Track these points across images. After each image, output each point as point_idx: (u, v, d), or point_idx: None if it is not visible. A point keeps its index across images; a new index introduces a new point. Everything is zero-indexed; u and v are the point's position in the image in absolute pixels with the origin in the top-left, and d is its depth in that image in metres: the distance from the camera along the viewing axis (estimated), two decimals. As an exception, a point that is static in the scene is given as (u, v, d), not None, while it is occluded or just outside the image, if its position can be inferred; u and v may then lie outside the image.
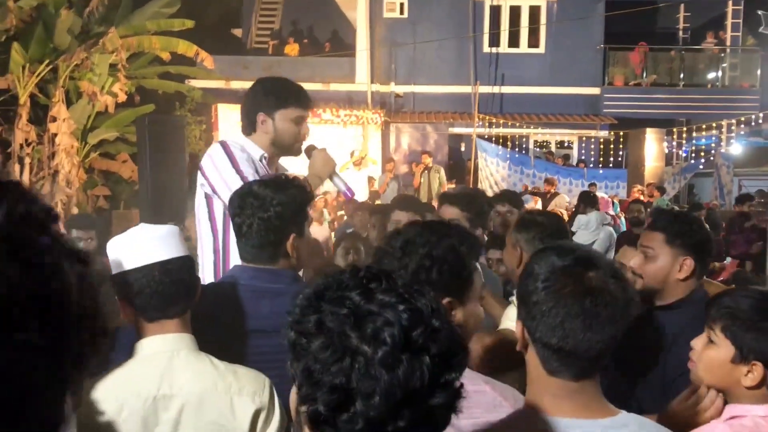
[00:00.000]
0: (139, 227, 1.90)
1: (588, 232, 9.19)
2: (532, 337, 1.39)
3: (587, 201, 9.60)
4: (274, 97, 2.84)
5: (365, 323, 0.91)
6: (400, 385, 0.88)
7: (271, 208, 2.09)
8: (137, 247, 1.81)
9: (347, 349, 0.90)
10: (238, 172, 2.64)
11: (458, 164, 16.39)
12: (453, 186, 13.06)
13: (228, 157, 2.71)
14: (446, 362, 0.93)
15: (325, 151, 2.92)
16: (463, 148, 16.75)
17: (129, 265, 1.79)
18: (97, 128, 13.36)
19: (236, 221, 2.15)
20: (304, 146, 2.95)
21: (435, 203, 12.04)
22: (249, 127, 2.86)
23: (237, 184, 2.46)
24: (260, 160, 2.80)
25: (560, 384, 1.38)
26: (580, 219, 9.43)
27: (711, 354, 1.78)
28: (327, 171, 2.88)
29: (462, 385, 0.97)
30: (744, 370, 1.69)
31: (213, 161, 2.73)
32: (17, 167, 11.86)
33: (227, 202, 2.34)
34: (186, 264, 1.84)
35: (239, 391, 1.76)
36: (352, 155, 14.46)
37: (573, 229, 9.84)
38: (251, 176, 2.61)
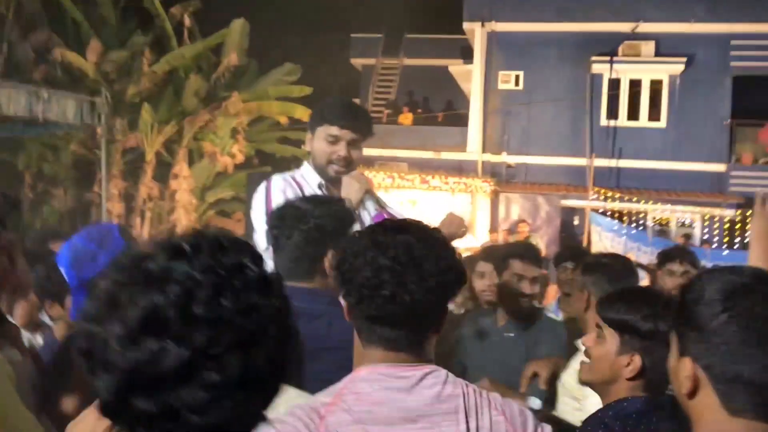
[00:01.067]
0: None
1: None
2: (710, 373, 1.16)
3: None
4: (315, 113, 2.73)
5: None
6: (132, 369, 0.83)
7: (312, 220, 2.01)
8: None
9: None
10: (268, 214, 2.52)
11: (571, 238, 15.83)
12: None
13: (264, 197, 2.60)
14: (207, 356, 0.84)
15: (358, 173, 2.73)
16: (576, 222, 16.20)
17: None
18: (216, 187, 13.94)
19: (274, 233, 2.07)
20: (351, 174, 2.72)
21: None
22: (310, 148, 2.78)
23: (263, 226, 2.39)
24: (319, 188, 2.65)
25: (747, 426, 1.15)
26: None
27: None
28: (358, 193, 2.64)
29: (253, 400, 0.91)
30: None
31: (254, 200, 2.64)
32: (138, 220, 12.48)
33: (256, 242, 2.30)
34: None
35: None
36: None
37: None
38: None
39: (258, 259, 0.91)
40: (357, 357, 1.47)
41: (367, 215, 2.72)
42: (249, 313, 0.85)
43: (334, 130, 2.63)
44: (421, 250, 1.40)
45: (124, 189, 12.70)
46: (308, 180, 2.68)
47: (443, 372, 1.44)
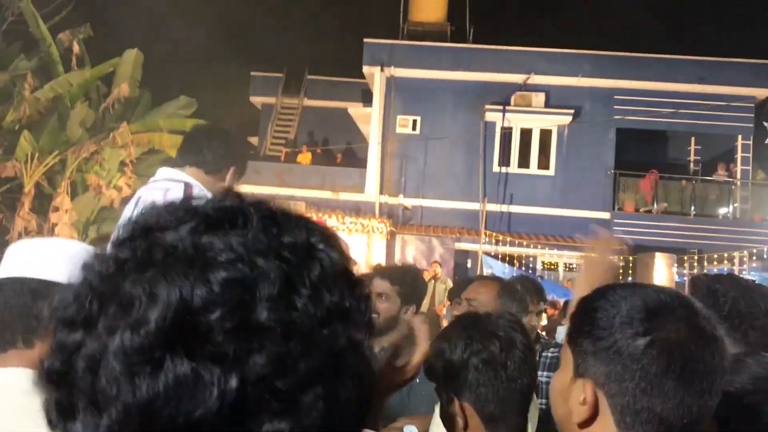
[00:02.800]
0: (53, 240, 1.72)
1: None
2: (615, 402, 0.99)
3: (565, 312, 9.44)
4: (243, 160, 2.78)
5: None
6: (142, 411, 0.48)
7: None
8: (42, 260, 1.55)
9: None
10: None
11: (463, 280, 16.06)
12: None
13: None
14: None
15: None
16: (469, 264, 16.48)
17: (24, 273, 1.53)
18: (100, 222, 13.29)
19: None
20: None
21: (440, 311, 11.69)
22: (214, 168, 2.67)
23: None
24: None
25: None
26: (560, 330, 9.17)
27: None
28: None
29: None
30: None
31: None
32: (12, 255, 11.68)
33: None
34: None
35: None
36: None
37: (557, 340, 9.58)
38: None
39: (333, 239, 0.59)
40: None
41: None
42: (334, 321, 0.53)
43: (237, 179, 2.74)
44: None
45: (-2, 221, 11.90)
46: (200, 188, 2.62)
47: None
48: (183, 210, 0.55)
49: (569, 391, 1.04)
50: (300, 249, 0.54)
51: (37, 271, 1.51)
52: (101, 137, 12.08)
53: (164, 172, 2.60)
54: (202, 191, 2.50)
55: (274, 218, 0.56)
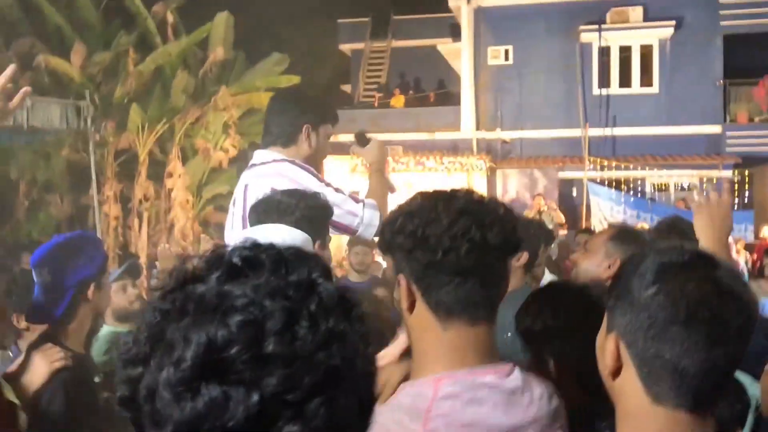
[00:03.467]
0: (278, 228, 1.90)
1: None
2: (633, 351, 1.07)
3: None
4: (320, 110, 2.66)
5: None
6: (189, 423, 0.66)
7: (297, 212, 2.01)
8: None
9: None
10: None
11: (570, 209, 15.81)
12: (565, 231, 12.57)
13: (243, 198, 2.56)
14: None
15: (379, 140, 2.76)
16: (574, 193, 16.17)
17: None
18: (211, 183, 13.92)
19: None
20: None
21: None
22: (287, 139, 2.59)
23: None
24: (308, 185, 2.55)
25: (667, 416, 1.06)
26: None
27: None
28: (384, 159, 2.70)
29: None
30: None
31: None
32: (136, 221, 12.48)
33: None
34: None
35: None
36: None
37: None
38: None
39: (329, 272, 0.75)
40: (418, 345, 1.30)
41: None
42: (330, 344, 0.69)
43: (330, 128, 2.67)
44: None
45: (119, 191, 12.68)
46: (299, 178, 2.54)
47: (519, 372, 1.29)
48: (213, 260, 0.73)
49: (603, 346, 1.13)
50: (302, 286, 0.71)
51: None
52: (203, 102, 12.57)
53: (260, 156, 2.60)
54: (297, 175, 2.50)
55: (283, 261, 0.73)
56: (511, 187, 16.33)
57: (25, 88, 1.93)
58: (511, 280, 3.13)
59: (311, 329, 0.68)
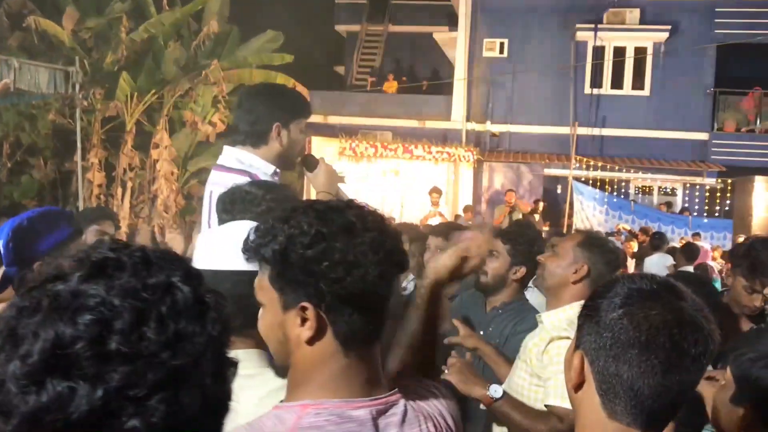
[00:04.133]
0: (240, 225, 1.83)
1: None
2: (595, 369, 1.15)
3: (652, 242, 9.25)
4: (289, 107, 2.62)
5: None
6: (33, 416, 0.69)
7: (264, 203, 1.97)
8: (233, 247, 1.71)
9: None
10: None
11: (554, 207, 15.91)
12: (546, 228, 12.65)
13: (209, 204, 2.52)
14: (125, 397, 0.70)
15: (327, 164, 2.63)
16: (559, 191, 16.26)
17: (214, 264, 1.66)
18: (197, 157, 13.86)
19: (224, 218, 2.02)
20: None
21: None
22: (257, 138, 2.57)
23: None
24: (273, 176, 2.57)
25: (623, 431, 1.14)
26: (645, 262, 9.07)
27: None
28: (333, 186, 2.58)
29: None
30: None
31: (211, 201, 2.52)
32: (120, 190, 12.41)
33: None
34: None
35: None
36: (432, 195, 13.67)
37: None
38: None
39: (192, 277, 0.79)
40: (296, 367, 1.22)
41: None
42: (176, 344, 0.72)
43: (304, 122, 2.64)
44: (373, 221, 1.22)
45: (104, 159, 12.59)
46: (261, 169, 2.55)
47: (401, 404, 1.23)
48: (80, 259, 0.76)
49: (570, 360, 1.21)
50: (158, 287, 0.75)
51: (217, 262, 1.64)
52: (194, 75, 12.48)
53: (227, 154, 2.58)
54: (265, 174, 2.50)
55: (146, 263, 0.77)
56: (497, 180, 16.40)
57: (4, 81, 1.92)
58: (506, 293, 3.16)
59: (158, 330, 0.71)
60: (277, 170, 2.62)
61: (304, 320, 1.14)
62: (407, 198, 15.26)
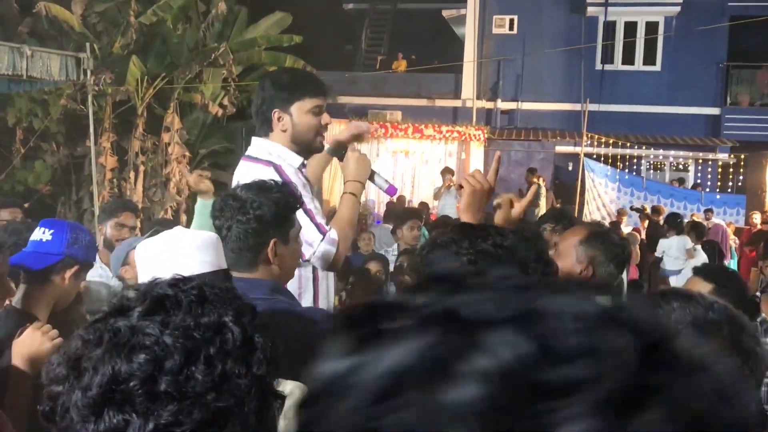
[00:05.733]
0: (175, 233, 1.83)
1: (671, 259, 8.62)
2: None
3: (671, 223, 9.08)
4: (287, 89, 2.60)
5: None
6: None
7: (251, 211, 1.98)
8: (172, 256, 1.73)
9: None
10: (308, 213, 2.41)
11: (565, 184, 15.87)
12: (558, 206, 12.63)
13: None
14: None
15: (357, 151, 2.70)
16: (570, 168, 16.21)
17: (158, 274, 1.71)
18: (209, 139, 13.89)
19: (216, 224, 2.05)
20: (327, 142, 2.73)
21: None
22: (265, 126, 2.61)
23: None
24: (299, 169, 2.57)
25: None
26: (662, 244, 8.94)
27: None
28: (365, 173, 2.61)
29: None
30: None
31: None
32: (132, 174, 12.47)
33: None
34: (220, 279, 1.71)
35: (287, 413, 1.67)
36: (444, 176, 13.64)
37: (657, 254, 9.30)
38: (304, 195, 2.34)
39: (244, 314, 0.83)
40: None
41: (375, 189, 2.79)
42: (222, 386, 0.77)
43: (318, 101, 2.60)
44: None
45: (116, 143, 12.64)
46: (287, 160, 2.56)
47: None
48: (143, 293, 0.81)
49: None
50: (210, 327, 0.79)
51: (175, 269, 1.69)
52: (203, 58, 12.46)
53: (256, 145, 2.62)
54: (291, 166, 2.52)
55: (201, 301, 0.81)
56: (508, 158, 16.35)
57: None
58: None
59: (205, 371, 0.76)
60: (304, 162, 2.61)
61: None
62: (418, 178, 15.27)
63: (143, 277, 1.72)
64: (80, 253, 2.43)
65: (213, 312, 0.80)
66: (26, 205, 6.44)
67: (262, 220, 1.99)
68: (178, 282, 0.84)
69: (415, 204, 13.15)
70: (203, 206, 3.13)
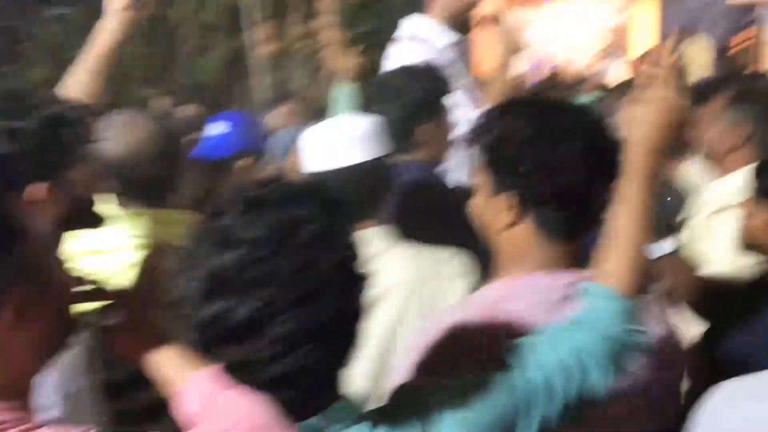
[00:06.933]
0: (340, 120, 1.84)
1: None
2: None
3: None
4: None
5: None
6: (206, 325, 0.90)
7: (407, 94, 2.01)
8: (337, 145, 1.72)
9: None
10: None
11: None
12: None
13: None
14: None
15: (506, 26, 2.53)
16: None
17: (324, 163, 1.71)
18: (360, 19, 13.80)
19: (373, 110, 2.05)
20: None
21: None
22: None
23: None
24: (448, 47, 2.49)
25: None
26: None
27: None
28: (515, 49, 2.48)
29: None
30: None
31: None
32: (291, 62, 12.74)
33: None
34: (381, 165, 1.72)
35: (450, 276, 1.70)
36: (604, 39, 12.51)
37: None
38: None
39: (327, 208, 0.95)
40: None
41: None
42: (307, 270, 0.89)
43: None
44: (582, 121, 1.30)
45: (274, 31, 12.87)
46: (432, 40, 2.51)
47: None
48: (237, 196, 0.94)
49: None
50: (294, 220, 0.90)
51: (341, 158, 1.68)
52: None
53: (404, 26, 2.58)
54: (437, 42, 2.45)
55: (287, 198, 0.93)
56: (678, 20, 14.83)
57: None
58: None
59: (295, 257, 0.89)
60: (452, 41, 2.53)
61: (508, 207, 1.25)
62: (574, 44, 14.30)
63: (310, 166, 1.74)
64: (254, 144, 2.48)
65: (298, 206, 0.92)
66: (196, 100, 6.77)
67: (411, 104, 2.00)
68: (265, 183, 0.97)
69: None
70: (349, 91, 3.13)
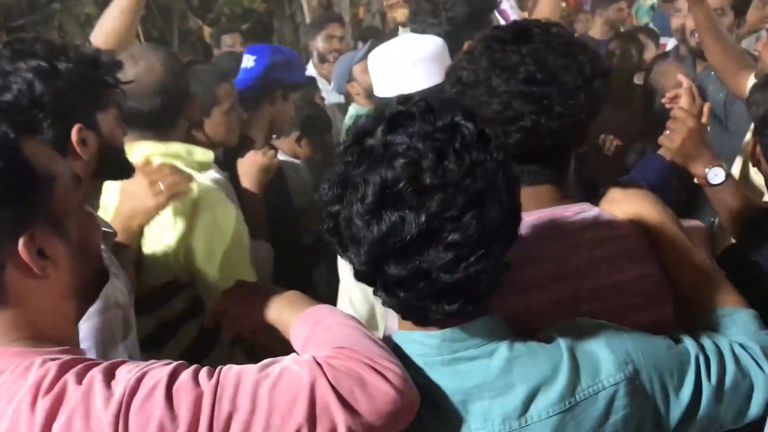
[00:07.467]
0: (405, 42, 1.81)
1: None
2: None
3: None
4: None
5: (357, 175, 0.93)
6: (378, 241, 0.90)
7: (443, 13, 1.99)
8: (402, 71, 1.72)
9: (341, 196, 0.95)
10: None
11: None
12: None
13: None
14: (447, 219, 0.89)
15: None
16: None
17: (394, 87, 1.71)
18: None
19: (411, 28, 2.10)
20: None
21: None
22: None
23: None
24: None
25: None
26: None
27: None
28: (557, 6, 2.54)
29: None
30: None
31: None
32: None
33: None
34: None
35: None
36: None
37: None
38: None
39: (470, 115, 0.95)
40: None
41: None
42: (474, 171, 0.90)
43: None
44: (556, 60, 1.16)
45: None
46: None
47: (595, 210, 1.24)
48: (377, 116, 0.96)
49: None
50: (447, 128, 0.92)
51: (406, 85, 1.68)
52: None
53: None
54: None
55: (430, 110, 0.94)
56: None
57: None
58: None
59: (457, 162, 0.89)
60: None
61: None
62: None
63: (381, 89, 1.76)
64: (283, 75, 2.51)
65: (444, 116, 0.93)
66: (244, 27, 6.72)
67: (454, 21, 2.00)
68: (403, 100, 0.96)
69: None
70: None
